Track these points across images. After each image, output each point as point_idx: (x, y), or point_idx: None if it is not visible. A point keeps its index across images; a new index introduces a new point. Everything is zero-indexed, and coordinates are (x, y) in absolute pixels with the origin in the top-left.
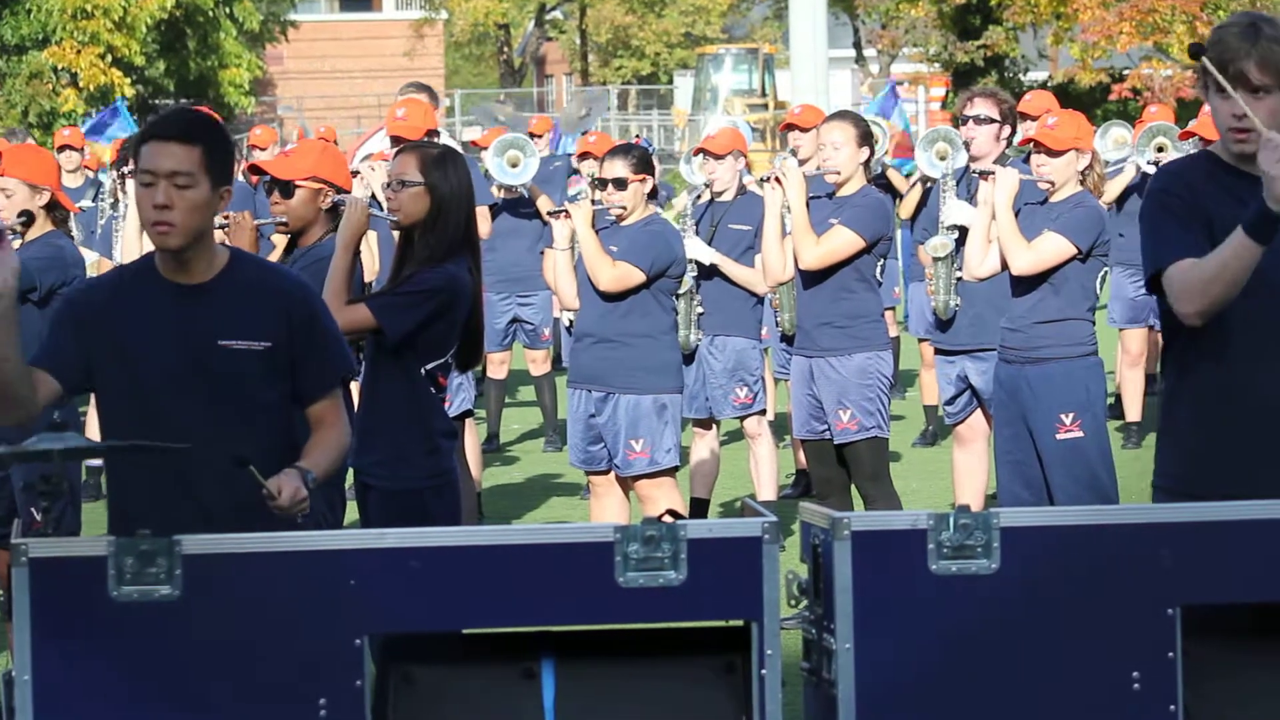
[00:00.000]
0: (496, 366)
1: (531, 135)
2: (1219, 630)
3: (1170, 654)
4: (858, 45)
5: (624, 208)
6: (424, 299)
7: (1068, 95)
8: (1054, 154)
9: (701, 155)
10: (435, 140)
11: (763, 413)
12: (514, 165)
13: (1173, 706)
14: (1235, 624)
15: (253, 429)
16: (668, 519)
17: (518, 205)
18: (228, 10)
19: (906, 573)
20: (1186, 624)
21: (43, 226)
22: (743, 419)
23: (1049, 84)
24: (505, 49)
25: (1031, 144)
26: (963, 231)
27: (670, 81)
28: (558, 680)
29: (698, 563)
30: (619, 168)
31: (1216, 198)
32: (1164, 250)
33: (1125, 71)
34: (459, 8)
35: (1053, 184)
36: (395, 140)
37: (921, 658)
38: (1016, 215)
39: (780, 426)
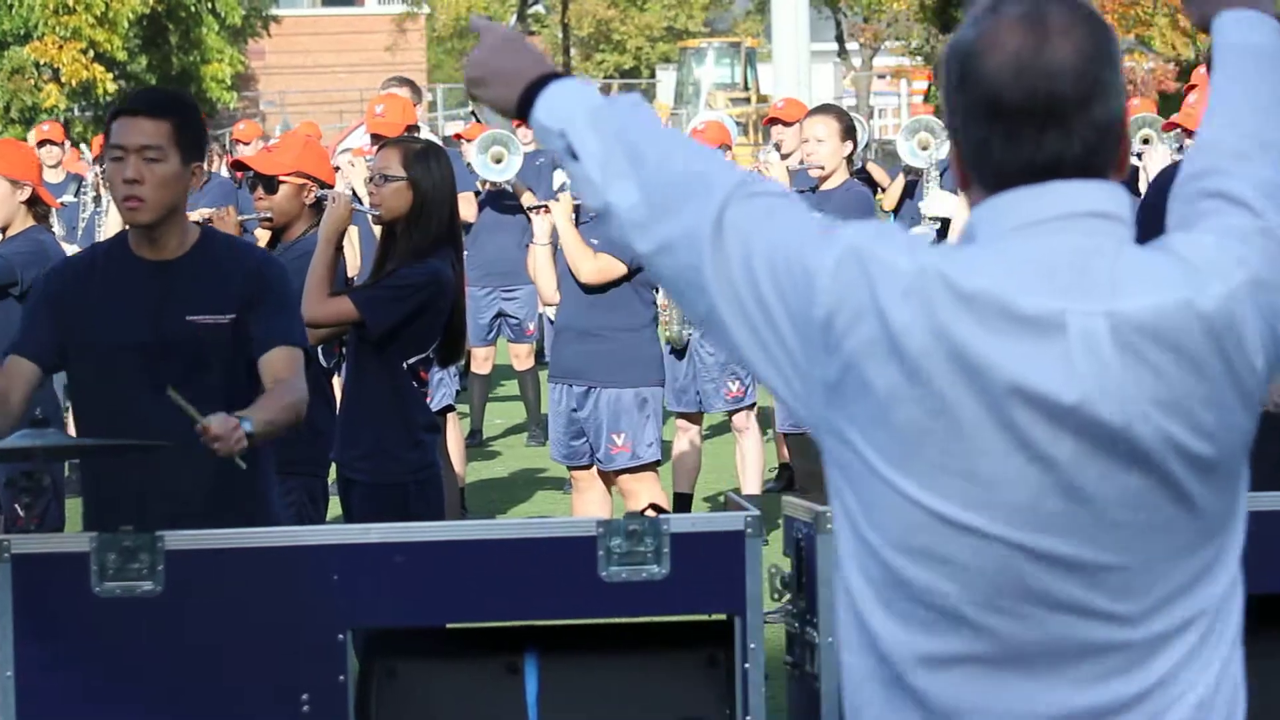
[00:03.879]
0: (481, 362)
1: (521, 125)
2: None
3: None
4: (840, 39)
5: None
6: (408, 294)
7: None
8: None
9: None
10: (416, 135)
11: (752, 407)
12: (498, 161)
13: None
14: None
15: (227, 405)
16: (650, 513)
17: (502, 199)
18: (209, 5)
19: None
20: None
21: (24, 222)
22: (732, 413)
23: None
24: None
25: None
26: (944, 222)
27: (652, 75)
28: (541, 674)
29: (680, 557)
30: None
31: None
32: None
33: None
34: (441, 2)
35: None
36: (375, 138)
37: None
38: None
39: (764, 420)
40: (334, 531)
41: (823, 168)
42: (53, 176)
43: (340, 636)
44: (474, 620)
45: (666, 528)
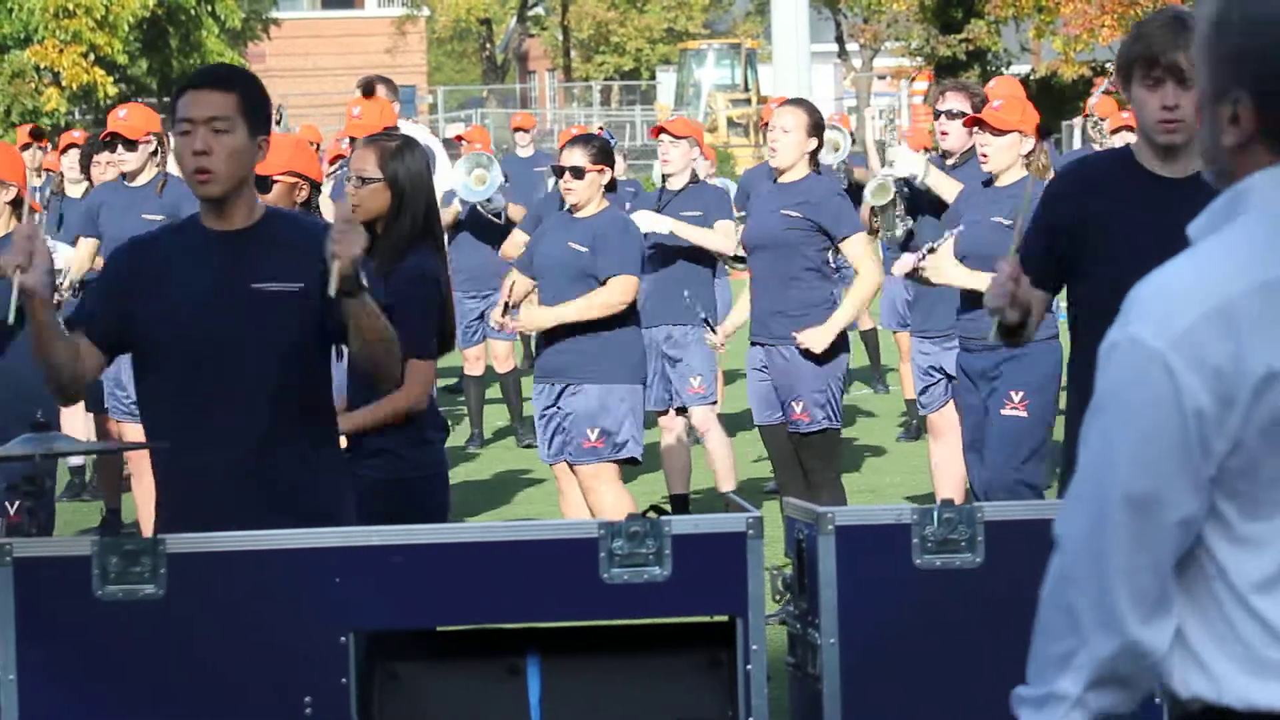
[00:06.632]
0: (472, 363)
1: (517, 130)
2: None
3: None
4: (840, 40)
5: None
6: (425, 310)
7: (1050, 89)
8: (997, 133)
9: (660, 135)
10: (392, 132)
11: (713, 404)
12: (481, 183)
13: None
14: None
15: (287, 372)
16: (652, 515)
17: (485, 205)
18: (210, 8)
19: (890, 567)
20: None
21: (8, 224)
22: (688, 411)
23: (1031, 77)
24: (487, 45)
25: (975, 124)
26: (908, 184)
27: (652, 77)
28: (543, 677)
29: (682, 558)
30: (578, 156)
31: (1105, 196)
32: (1025, 254)
33: (1107, 65)
34: (441, 4)
35: (987, 156)
36: (354, 142)
37: (906, 652)
38: (967, 200)
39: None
40: (336, 534)
41: (776, 153)
42: (32, 179)
43: (342, 639)
44: (476, 622)
45: (668, 529)
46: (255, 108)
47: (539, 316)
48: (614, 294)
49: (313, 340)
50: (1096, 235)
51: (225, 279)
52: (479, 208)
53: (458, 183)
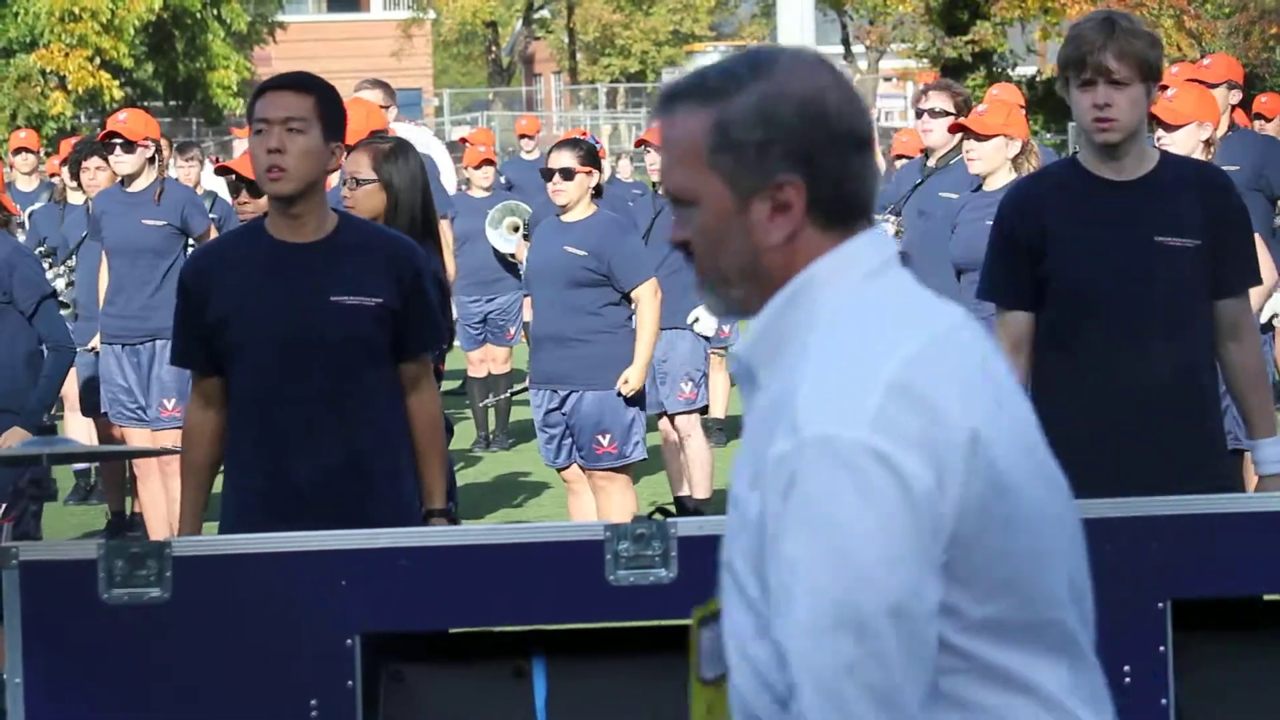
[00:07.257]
0: (475, 366)
1: (522, 136)
2: (1209, 624)
3: (1161, 648)
4: (846, 41)
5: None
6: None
7: (1056, 91)
8: (981, 139)
9: (643, 147)
10: (385, 134)
11: (704, 409)
12: (515, 230)
13: (1164, 700)
14: (1225, 617)
15: (362, 385)
16: (658, 516)
17: (484, 208)
18: (215, 12)
19: None
20: (1177, 617)
21: None
22: (678, 416)
23: (1038, 79)
24: (493, 48)
25: (960, 129)
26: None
27: (658, 80)
28: (549, 679)
29: (688, 560)
30: (566, 159)
31: (1059, 208)
32: (992, 286)
33: None
34: (446, 7)
35: (974, 159)
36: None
37: None
38: (961, 209)
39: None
40: (342, 537)
41: None
42: (26, 184)
43: (349, 642)
44: (481, 624)
45: (674, 531)
46: (331, 113)
47: (639, 368)
48: (652, 304)
49: (389, 351)
50: (1055, 246)
51: (301, 294)
52: (509, 258)
53: (490, 232)
